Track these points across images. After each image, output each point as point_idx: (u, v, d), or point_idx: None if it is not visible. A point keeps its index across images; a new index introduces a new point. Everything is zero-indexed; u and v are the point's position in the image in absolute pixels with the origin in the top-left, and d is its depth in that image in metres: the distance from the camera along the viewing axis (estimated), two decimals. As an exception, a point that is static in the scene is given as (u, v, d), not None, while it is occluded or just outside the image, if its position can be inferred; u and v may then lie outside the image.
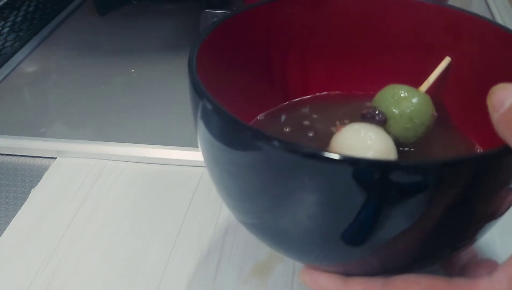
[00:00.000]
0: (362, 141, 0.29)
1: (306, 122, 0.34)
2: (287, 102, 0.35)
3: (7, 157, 0.47)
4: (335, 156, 0.20)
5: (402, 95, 0.31)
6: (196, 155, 0.44)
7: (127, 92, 0.55)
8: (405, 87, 0.31)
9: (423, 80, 0.32)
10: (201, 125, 0.25)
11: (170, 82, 0.56)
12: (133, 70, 0.58)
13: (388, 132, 0.30)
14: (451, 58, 0.33)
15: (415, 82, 0.32)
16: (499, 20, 0.62)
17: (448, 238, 0.24)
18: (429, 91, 0.32)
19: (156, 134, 0.48)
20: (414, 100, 0.30)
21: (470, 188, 0.22)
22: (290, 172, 0.22)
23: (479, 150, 0.32)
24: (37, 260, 0.36)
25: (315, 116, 0.34)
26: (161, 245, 0.37)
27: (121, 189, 0.42)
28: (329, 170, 0.21)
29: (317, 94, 0.36)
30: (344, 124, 0.31)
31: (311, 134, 0.33)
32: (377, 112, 0.30)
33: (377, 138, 0.29)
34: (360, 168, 0.21)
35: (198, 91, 0.24)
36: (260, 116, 0.34)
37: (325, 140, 0.31)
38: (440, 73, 0.32)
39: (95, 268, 0.36)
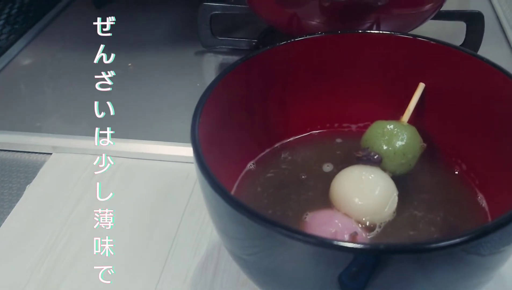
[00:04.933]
0: (364, 184, 0.30)
1: (295, 165, 0.35)
2: (272, 147, 0.36)
3: (2, 152, 0.46)
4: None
5: (391, 132, 0.32)
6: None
7: (124, 86, 0.54)
8: (391, 122, 0.32)
9: (402, 107, 0.34)
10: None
11: (167, 76, 0.55)
12: (130, 64, 0.57)
13: (384, 170, 0.31)
14: (425, 84, 0.34)
15: (395, 111, 0.34)
16: (501, 15, 0.61)
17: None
18: (410, 119, 0.33)
19: (154, 129, 0.47)
20: (404, 136, 0.32)
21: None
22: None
23: (462, 167, 0.33)
24: (33, 258, 0.36)
25: (302, 157, 0.35)
26: (159, 244, 0.36)
27: (118, 185, 0.41)
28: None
29: (299, 135, 0.37)
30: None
31: (303, 177, 0.34)
32: (372, 154, 0.31)
33: (378, 179, 0.31)
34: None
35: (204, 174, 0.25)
36: (250, 165, 0.34)
37: (319, 182, 0.33)
38: (418, 100, 0.34)
39: (92, 266, 0.35)
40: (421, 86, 0.34)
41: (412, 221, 0.30)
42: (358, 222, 0.30)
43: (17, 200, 0.40)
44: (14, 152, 0.46)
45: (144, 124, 0.48)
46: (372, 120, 0.36)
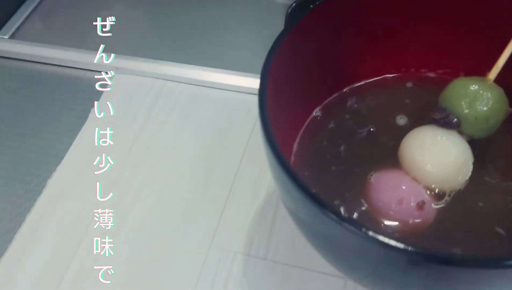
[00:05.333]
0: (437, 148, 0.28)
1: (364, 115, 0.32)
2: (340, 92, 0.34)
3: (67, 69, 0.46)
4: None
5: (475, 94, 0.28)
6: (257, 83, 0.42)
7: (187, 11, 0.52)
8: (476, 82, 0.29)
9: (489, 62, 0.29)
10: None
11: (232, 3, 0.52)
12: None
13: (461, 133, 0.29)
14: None
15: (481, 64, 0.30)
16: None
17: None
18: (497, 77, 0.29)
19: (216, 57, 0.46)
20: (490, 99, 0.28)
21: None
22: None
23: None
24: (103, 182, 0.36)
25: (372, 106, 0.33)
26: (218, 184, 0.37)
27: (181, 112, 0.42)
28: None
29: (371, 79, 0.34)
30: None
31: (372, 129, 0.32)
32: (450, 116, 0.28)
33: (454, 144, 0.28)
34: None
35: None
36: (316, 112, 0.33)
37: (390, 137, 0.31)
38: (509, 57, 0.29)
39: (157, 193, 0.36)
40: None
41: (485, 190, 0.29)
42: (427, 188, 0.28)
43: (83, 123, 0.41)
44: (79, 70, 0.46)
45: (206, 51, 0.47)
46: (453, 69, 0.33)
